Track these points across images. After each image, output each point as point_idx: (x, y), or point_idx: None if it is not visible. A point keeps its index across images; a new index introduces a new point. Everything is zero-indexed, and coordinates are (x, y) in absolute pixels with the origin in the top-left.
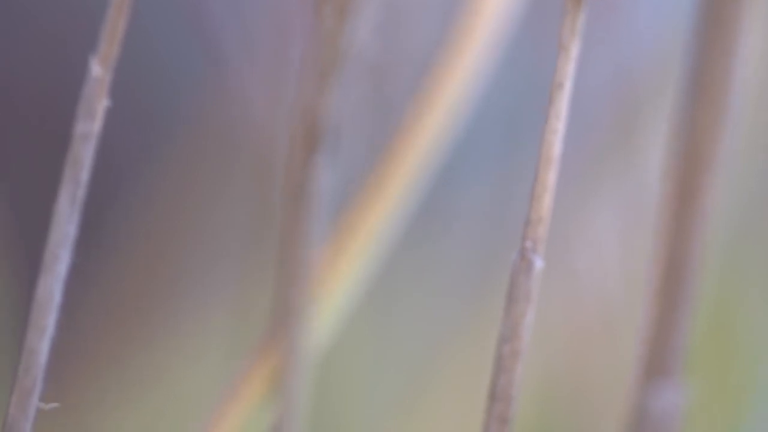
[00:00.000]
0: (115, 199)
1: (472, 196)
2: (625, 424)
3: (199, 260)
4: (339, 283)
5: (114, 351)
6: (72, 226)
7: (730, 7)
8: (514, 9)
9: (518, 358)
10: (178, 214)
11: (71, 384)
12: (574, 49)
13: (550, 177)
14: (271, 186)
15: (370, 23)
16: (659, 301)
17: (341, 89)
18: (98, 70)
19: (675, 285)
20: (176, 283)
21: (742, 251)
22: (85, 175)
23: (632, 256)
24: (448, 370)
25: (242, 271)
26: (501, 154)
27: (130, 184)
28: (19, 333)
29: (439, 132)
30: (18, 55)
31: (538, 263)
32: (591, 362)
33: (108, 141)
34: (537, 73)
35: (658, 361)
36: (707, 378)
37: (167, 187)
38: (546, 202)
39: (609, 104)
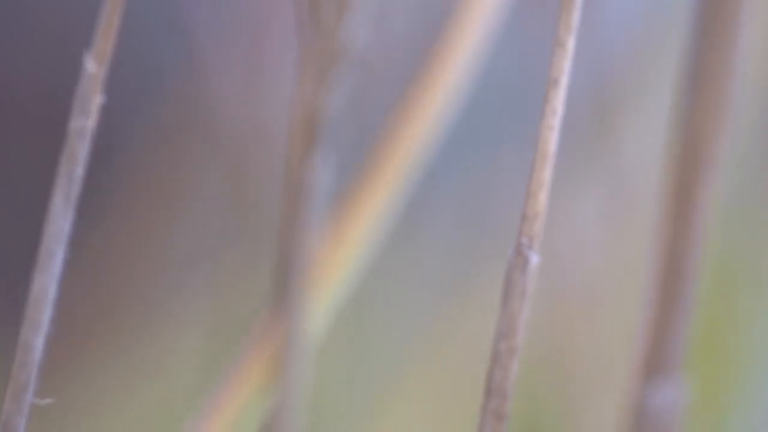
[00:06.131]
0: (97, 195)
1: (455, 191)
2: (625, 421)
3: (179, 255)
4: (334, 275)
5: (95, 345)
6: (67, 222)
7: (729, 3)
8: (501, 7)
9: (514, 353)
10: (157, 211)
11: (57, 379)
12: (570, 45)
13: (546, 173)
14: (247, 182)
15: (368, 18)
16: (658, 299)
17: (339, 84)
18: (93, 67)
19: (674, 283)
20: (156, 279)
21: (740, 249)
22: (80, 171)
23: (616, 245)
24: (428, 365)
25: (221, 266)
26: (483, 149)
27: (108, 180)
28: (15, 329)
29: (428, 128)
30: (14, 53)
31: (534, 259)
32: (575, 351)
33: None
34: (521, 68)
35: (658, 358)
36: (705, 375)
37: (144, 184)
38: (542, 198)
39: (590, 95)
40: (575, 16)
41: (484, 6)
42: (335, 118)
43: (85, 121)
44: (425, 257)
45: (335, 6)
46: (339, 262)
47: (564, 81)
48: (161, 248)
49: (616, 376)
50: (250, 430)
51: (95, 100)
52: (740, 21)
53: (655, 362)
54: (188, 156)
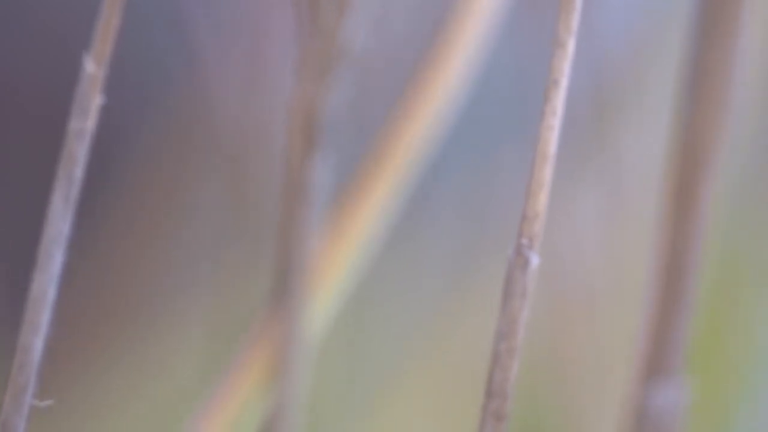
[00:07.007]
0: (97, 196)
1: (455, 190)
2: (626, 421)
3: (179, 256)
4: (333, 274)
5: (96, 346)
6: (66, 224)
7: (729, 3)
8: (501, 7)
9: (514, 354)
10: (158, 212)
11: (59, 380)
12: (570, 46)
13: (546, 173)
14: (247, 182)
15: (368, 18)
16: (659, 299)
17: (339, 84)
18: (92, 67)
19: (675, 283)
20: (156, 280)
21: (741, 249)
22: (79, 173)
23: (616, 245)
24: (429, 362)
25: (221, 266)
26: (484, 149)
27: (108, 181)
28: (14, 330)
29: (428, 127)
30: (14, 53)
31: (534, 260)
32: (576, 351)
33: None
34: (521, 69)
35: (659, 359)
36: (707, 376)
37: (145, 185)
38: (542, 198)
39: (590, 95)
40: (575, 17)
41: (484, 6)
42: (335, 117)
43: (84, 122)
44: (426, 255)
45: (335, 6)
46: (339, 260)
47: (564, 82)
48: (162, 249)
49: (616, 376)
50: (250, 429)
51: (95, 100)
52: (740, 21)
53: (656, 363)
54: (188, 156)
